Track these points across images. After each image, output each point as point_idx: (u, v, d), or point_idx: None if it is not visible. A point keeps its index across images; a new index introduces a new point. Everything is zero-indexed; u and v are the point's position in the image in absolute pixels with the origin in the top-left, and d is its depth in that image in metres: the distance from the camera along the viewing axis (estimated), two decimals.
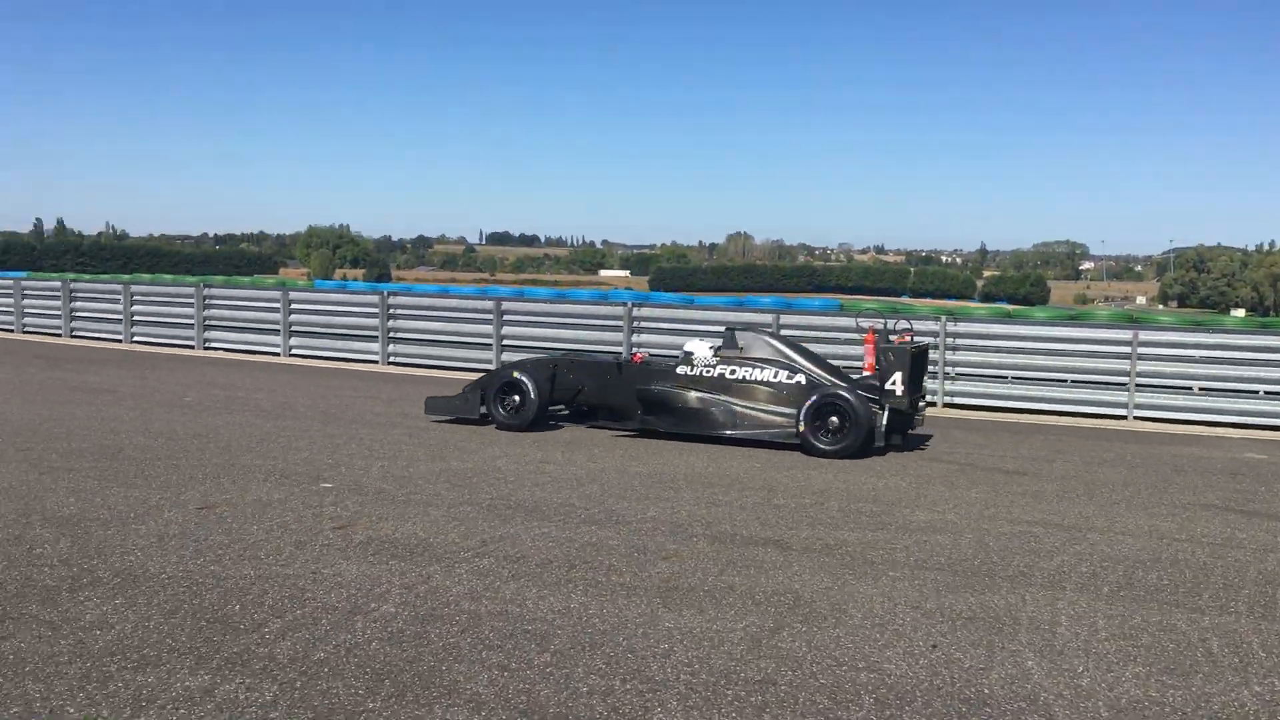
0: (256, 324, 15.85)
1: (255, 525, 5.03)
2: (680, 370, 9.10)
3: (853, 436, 8.18)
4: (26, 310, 19.40)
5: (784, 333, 11.60)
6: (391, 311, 14.44)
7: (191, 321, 16.47)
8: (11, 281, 20.54)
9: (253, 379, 12.17)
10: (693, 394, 8.94)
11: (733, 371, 9.01)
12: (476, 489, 6.14)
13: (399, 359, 14.50)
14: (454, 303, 14.08)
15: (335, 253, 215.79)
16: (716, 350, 9.18)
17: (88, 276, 22.18)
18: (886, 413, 8.46)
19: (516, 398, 8.91)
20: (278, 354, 15.47)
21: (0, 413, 8.57)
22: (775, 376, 8.86)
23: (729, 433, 8.77)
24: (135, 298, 17.34)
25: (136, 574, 4.16)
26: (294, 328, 15.35)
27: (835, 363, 9.47)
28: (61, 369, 12.64)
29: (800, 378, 8.85)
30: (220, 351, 16.20)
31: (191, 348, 16.53)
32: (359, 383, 12.21)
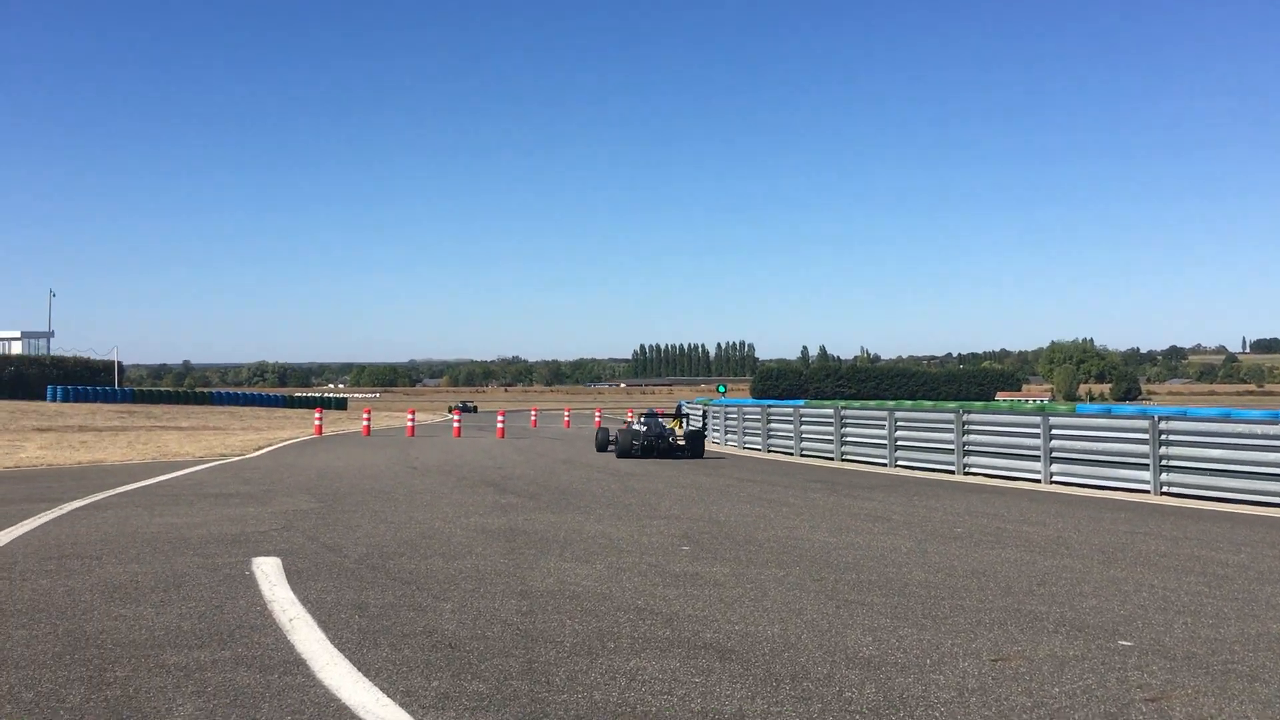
0: (1015, 449, 15.62)
1: (1055, 686, 4.66)
2: (633, 428, 21.06)
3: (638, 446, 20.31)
4: (804, 435, 21.28)
5: None
6: (1164, 438, 13.29)
7: (951, 447, 16.75)
8: (791, 410, 22.77)
9: (1017, 508, 11.89)
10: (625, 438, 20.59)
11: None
12: None
13: (1173, 489, 13.24)
14: (1240, 428, 12.53)
15: (1079, 368, 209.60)
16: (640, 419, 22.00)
17: (857, 404, 23.84)
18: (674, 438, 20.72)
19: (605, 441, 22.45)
20: (1037, 480, 15.06)
21: (794, 537, 9.28)
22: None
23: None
24: (899, 424, 18.12)
25: None
26: (1054, 454, 14.85)
27: None
28: (838, 493, 13.51)
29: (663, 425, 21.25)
30: (979, 477, 16.22)
31: (951, 472, 16.79)
32: (1129, 515, 11.31)
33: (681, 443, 20.91)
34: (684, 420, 42.02)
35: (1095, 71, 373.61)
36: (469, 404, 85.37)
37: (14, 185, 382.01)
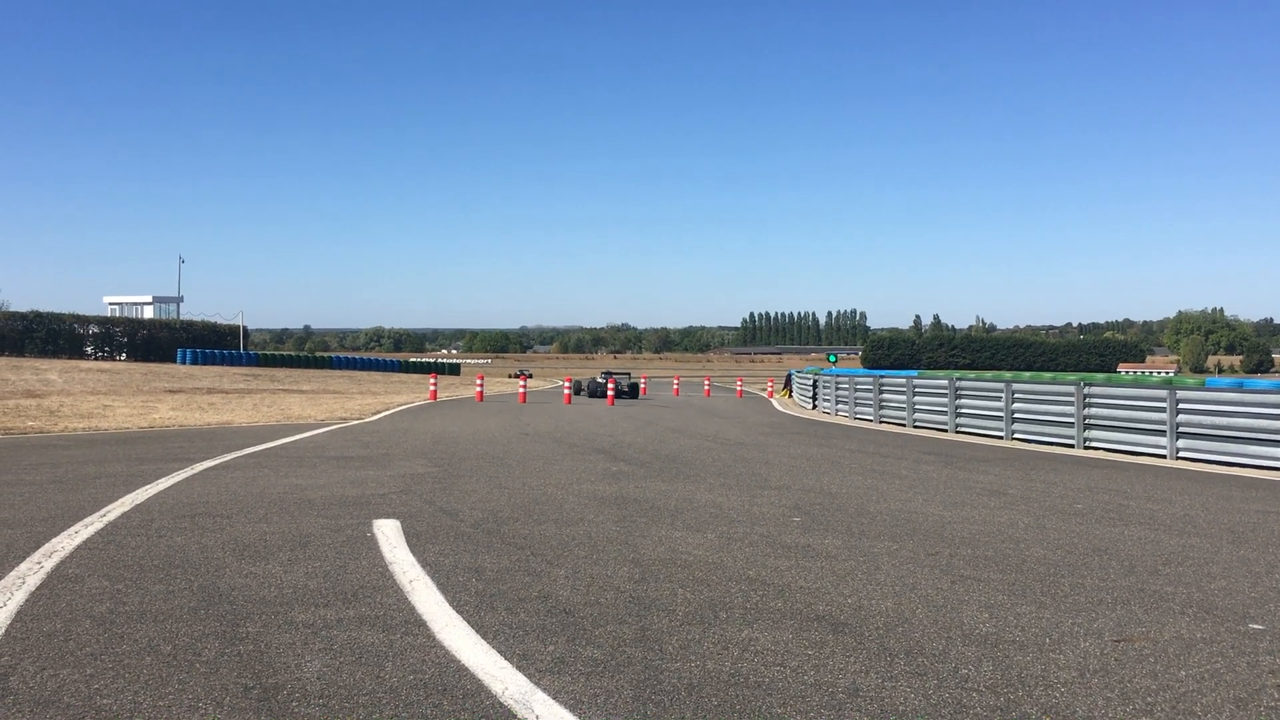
0: (1139, 424, 15.14)
1: (1182, 670, 4.53)
2: (597, 380, 40.81)
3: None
4: (917, 406, 20.97)
5: None
6: None
7: (1071, 420, 16.32)
8: (903, 380, 22.44)
9: (1140, 484, 11.53)
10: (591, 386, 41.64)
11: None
12: None
13: None
14: None
15: (1208, 339, 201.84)
16: (601, 376, 41.11)
17: (972, 375, 23.38)
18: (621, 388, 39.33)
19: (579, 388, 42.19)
20: (1163, 456, 14.58)
21: (907, 510, 9.17)
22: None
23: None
24: (1016, 395, 17.72)
25: (1064, 713, 3.94)
26: (1181, 429, 14.35)
27: None
28: (953, 466, 13.27)
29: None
30: (1100, 451, 15.78)
31: (1070, 446, 16.37)
32: (1261, 494, 10.86)
33: (625, 390, 39.87)
34: (791, 389, 42.05)
35: (1216, 34, 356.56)
36: (526, 370, 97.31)
37: (148, 158, 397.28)
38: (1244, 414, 13.55)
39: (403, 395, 37.60)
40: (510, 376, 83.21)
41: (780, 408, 33.99)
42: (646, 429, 20.20)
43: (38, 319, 63.81)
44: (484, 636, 4.78)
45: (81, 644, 4.60)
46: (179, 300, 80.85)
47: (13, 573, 6.00)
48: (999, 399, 18.24)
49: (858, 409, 25.31)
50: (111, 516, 8.08)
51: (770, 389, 48.42)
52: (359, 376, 62.93)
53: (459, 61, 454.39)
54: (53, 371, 42.54)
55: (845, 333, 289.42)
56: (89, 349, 66.03)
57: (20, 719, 3.71)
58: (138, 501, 8.92)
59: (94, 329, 67.13)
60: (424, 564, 6.38)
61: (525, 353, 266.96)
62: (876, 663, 4.51)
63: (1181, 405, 14.40)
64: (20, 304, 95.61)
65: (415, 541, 7.16)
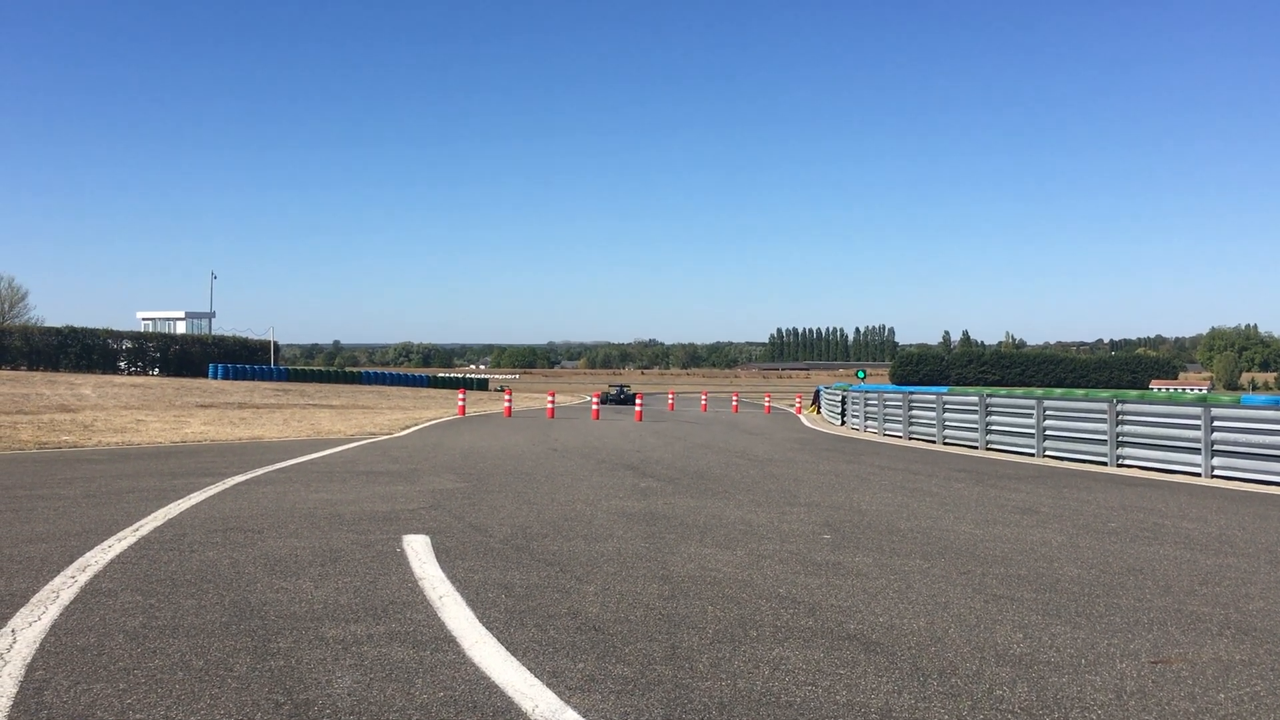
0: (1174, 441, 14.98)
1: (1221, 692, 4.45)
2: (608, 392, 62.62)
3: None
4: (947, 423, 20.83)
5: None
6: None
7: (1104, 437, 16.17)
8: (934, 396, 22.31)
9: (1175, 503, 11.38)
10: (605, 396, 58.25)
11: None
12: None
13: None
14: None
15: (1241, 355, 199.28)
16: (611, 387, 68.27)
17: (1003, 391, 23.21)
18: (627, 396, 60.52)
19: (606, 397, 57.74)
20: (1198, 474, 14.40)
21: (938, 528, 9.09)
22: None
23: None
24: (1048, 413, 17.58)
25: None
26: (1217, 447, 14.17)
27: None
28: (984, 483, 13.16)
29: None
30: (1133, 469, 15.61)
31: (1103, 464, 16.20)
32: None
33: (623, 399, 57.12)
34: (819, 405, 41.97)
35: (1254, 48, 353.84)
36: (503, 386, 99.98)
37: (181, 173, 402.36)
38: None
39: (431, 410, 37.74)
40: (495, 390, 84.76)
41: (809, 424, 33.86)
42: (674, 444, 20.16)
43: (72, 334, 64.56)
44: (514, 653, 4.77)
45: (114, 658, 4.62)
46: (211, 316, 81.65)
47: (47, 587, 6.05)
48: (1030, 416, 18.10)
49: (887, 425, 25.18)
50: (144, 531, 8.14)
51: (799, 405, 48.26)
52: (388, 391, 63.22)
53: (490, 77, 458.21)
54: (86, 386, 42.99)
55: (874, 348, 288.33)
56: (122, 364, 66.73)
57: None
58: (170, 516, 8.98)
59: (127, 344, 67.86)
60: (453, 580, 6.39)
61: (553, 368, 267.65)
62: (909, 683, 4.46)
63: (1217, 423, 14.23)
64: (54, 319, 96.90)
65: (445, 557, 7.17)
